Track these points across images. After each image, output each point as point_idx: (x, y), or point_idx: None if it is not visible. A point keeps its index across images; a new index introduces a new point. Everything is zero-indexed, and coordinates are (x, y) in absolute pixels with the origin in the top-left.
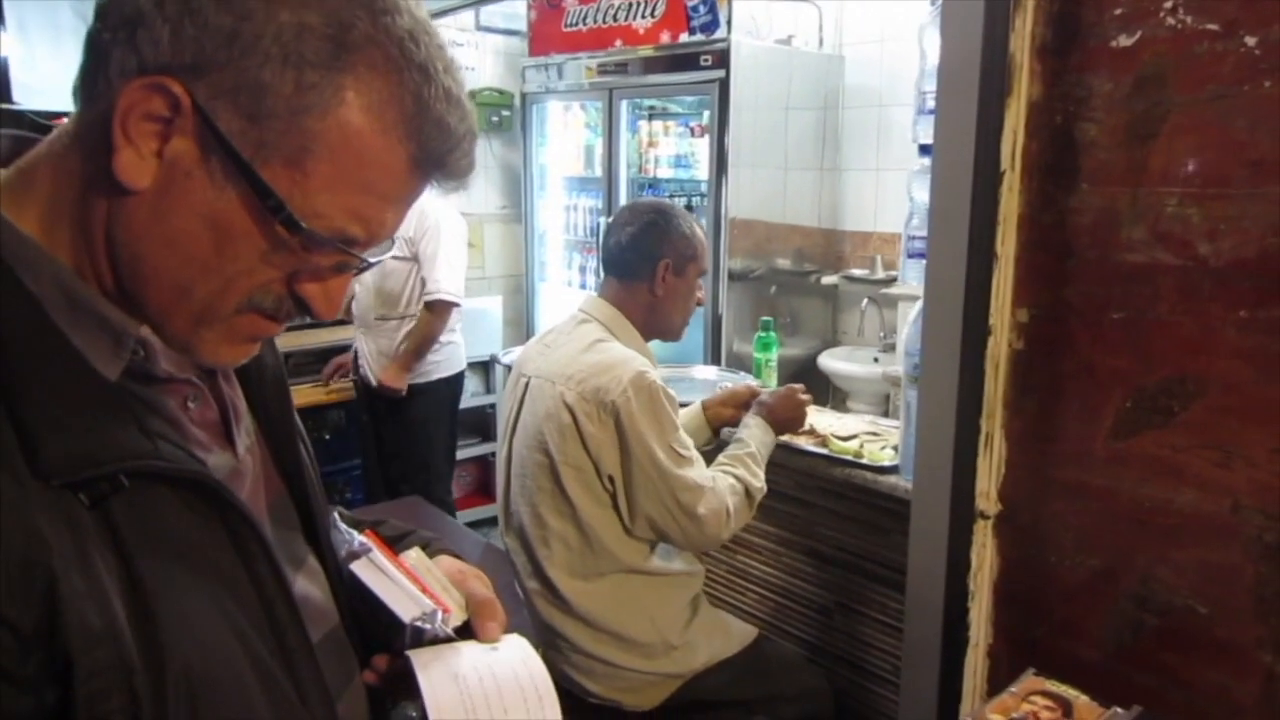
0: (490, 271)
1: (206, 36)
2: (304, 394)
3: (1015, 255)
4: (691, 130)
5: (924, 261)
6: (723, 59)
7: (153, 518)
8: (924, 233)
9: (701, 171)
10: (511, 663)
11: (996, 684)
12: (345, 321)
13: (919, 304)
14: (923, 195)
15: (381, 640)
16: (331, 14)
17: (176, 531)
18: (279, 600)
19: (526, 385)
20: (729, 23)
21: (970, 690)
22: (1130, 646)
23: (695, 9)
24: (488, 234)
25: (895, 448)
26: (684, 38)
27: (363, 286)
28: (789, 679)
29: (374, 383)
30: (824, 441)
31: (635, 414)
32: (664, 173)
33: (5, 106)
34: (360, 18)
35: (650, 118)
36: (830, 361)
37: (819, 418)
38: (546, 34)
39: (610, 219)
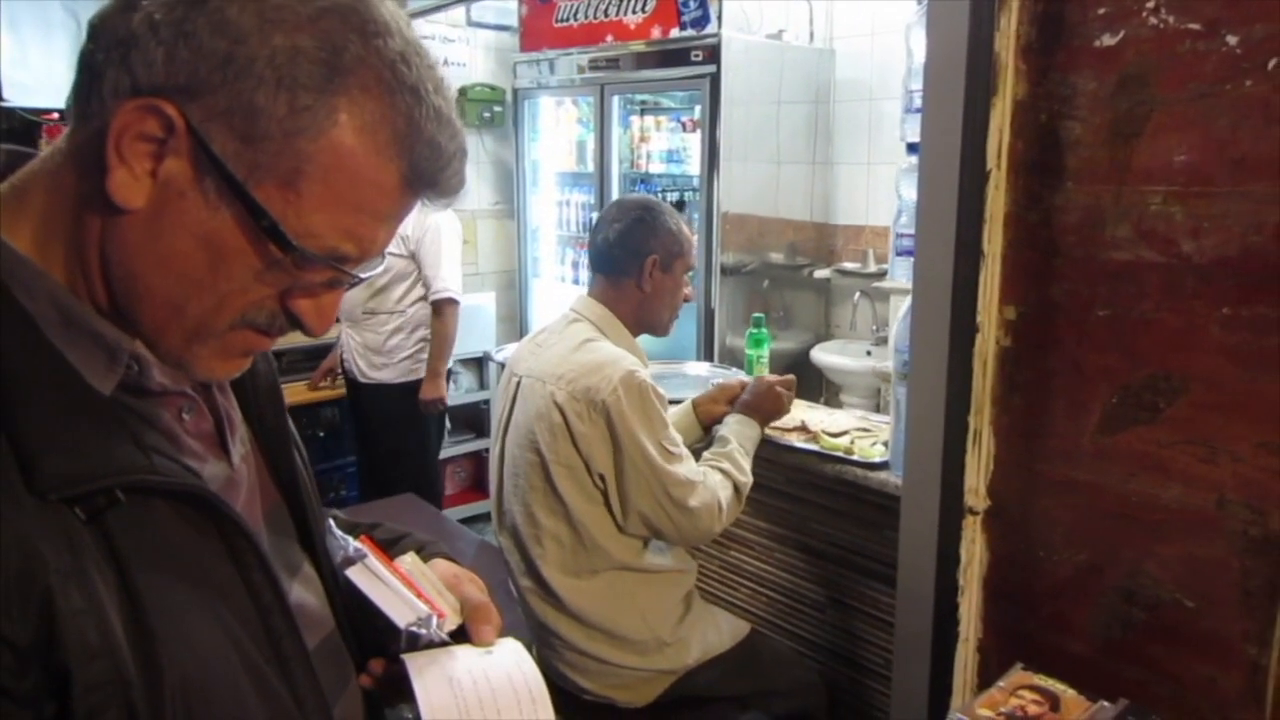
0: (483, 268)
1: (200, 59)
2: (297, 392)
3: (1002, 253)
4: (683, 125)
5: (912, 259)
6: (714, 54)
7: (149, 531)
8: (912, 230)
9: (693, 166)
10: (505, 666)
11: (987, 678)
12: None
13: (908, 301)
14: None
15: (377, 645)
16: (324, 37)
17: (173, 544)
18: (275, 609)
19: (518, 385)
20: (719, 18)
21: (961, 684)
22: (1118, 640)
23: (686, 4)
24: (481, 230)
25: (886, 444)
26: (675, 33)
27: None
28: (781, 674)
29: (360, 378)
30: (815, 438)
31: (626, 413)
32: (656, 168)
33: None
34: (352, 41)
35: (642, 113)
36: (823, 355)
37: (810, 414)
38: (538, 29)
39: (597, 216)
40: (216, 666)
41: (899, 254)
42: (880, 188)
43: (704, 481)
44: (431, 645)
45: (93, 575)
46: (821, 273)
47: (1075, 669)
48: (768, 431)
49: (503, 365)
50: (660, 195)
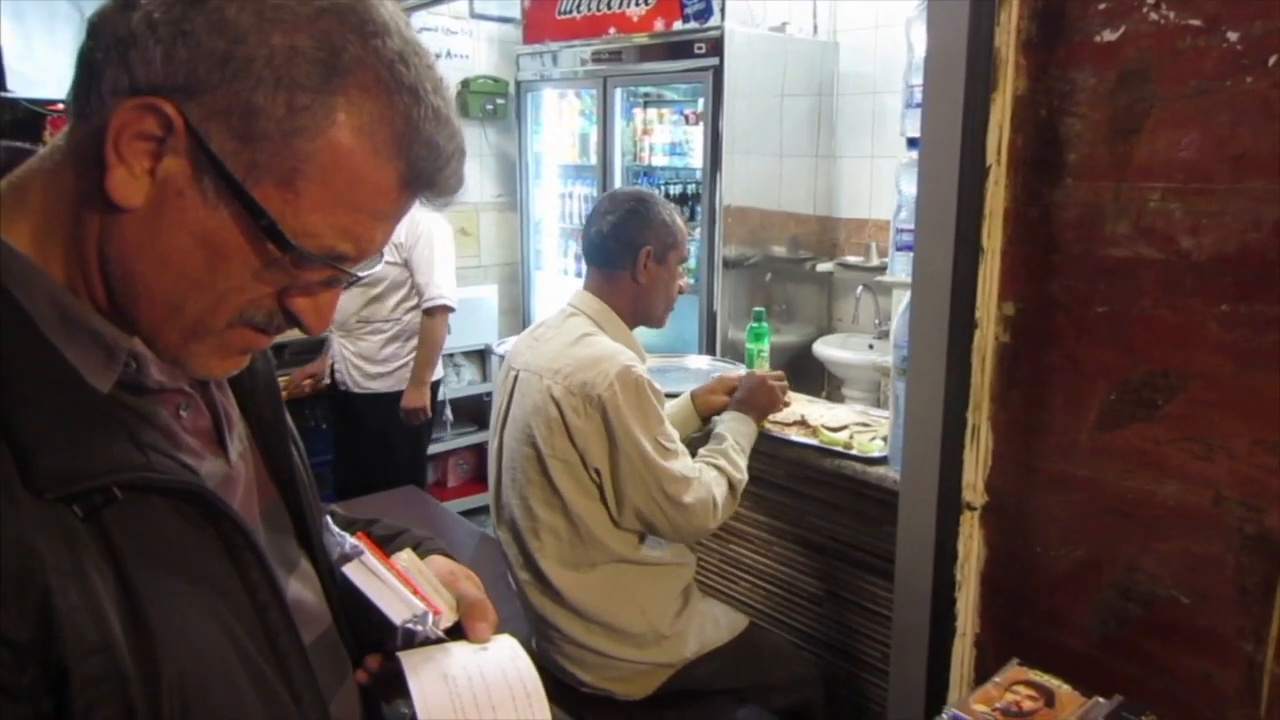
0: (486, 260)
1: (199, 59)
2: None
3: (1001, 249)
4: (686, 118)
5: (912, 254)
6: (717, 46)
7: (146, 528)
8: (912, 226)
9: (696, 159)
10: (500, 662)
11: (984, 672)
12: None
13: (907, 296)
14: (910, 188)
15: (374, 641)
16: (323, 37)
17: (170, 541)
18: (272, 605)
19: (516, 379)
20: (723, 10)
21: (958, 679)
22: (1115, 636)
23: None
24: (483, 223)
25: (885, 439)
26: (678, 25)
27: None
28: (780, 667)
29: (355, 388)
30: (814, 432)
31: (622, 408)
32: (659, 160)
33: (1, 95)
34: (351, 41)
35: (645, 105)
36: (825, 349)
37: (809, 408)
38: (541, 22)
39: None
40: (213, 662)
41: (899, 249)
42: (883, 181)
43: (699, 478)
44: (427, 642)
45: (90, 572)
46: (824, 266)
47: (1072, 664)
48: (767, 425)
49: (504, 358)
50: (663, 188)
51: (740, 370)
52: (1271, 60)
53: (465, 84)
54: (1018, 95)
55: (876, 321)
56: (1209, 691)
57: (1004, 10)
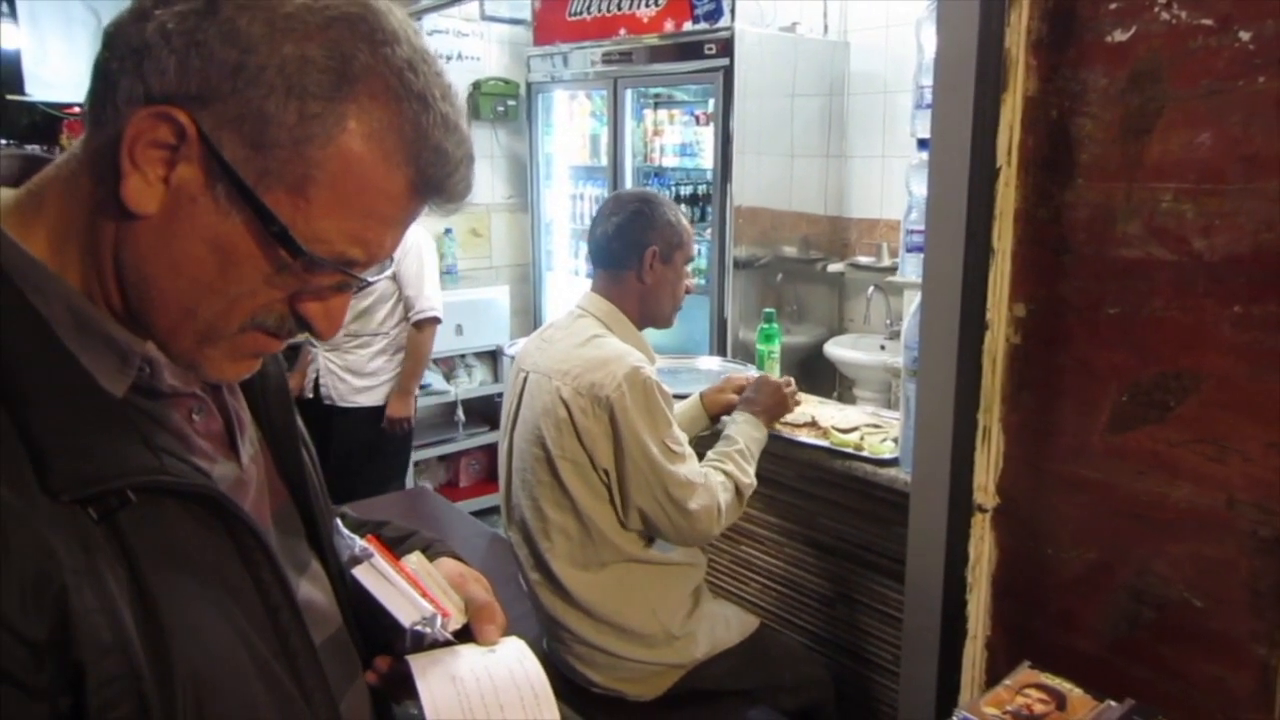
0: (497, 261)
1: (212, 68)
2: None
3: (1012, 250)
4: (696, 118)
5: (922, 255)
6: (727, 47)
7: (160, 530)
8: (922, 227)
9: (707, 160)
10: (508, 664)
11: (995, 675)
12: None
13: (918, 297)
14: (921, 189)
15: (383, 642)
16: (333, 46)
17: (183, 543)
18: (283, 606)
19: (525, 380)
20: (733, 10)
21: (969, 681)
22: (1127, 639)
23: None
24: (494, 224)
25: (896, 440)
26: (688, 26)
27: None
28: (790, 668)
29: (341, 402)
30: (825, 434)
31: (630, 409)
32: (669, 161)
33: (18, 98)
34: (361, 49)
35: (655, 106)
36: (836, 349)
37: (820, 409)
38: (551, 23)
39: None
40: (226, 661)
41: (909, 250)
42: (895, 181)
43: (705, 483)
44: (436, 644)
45: (105, 574)
46: (835, 266)
47: (1083, 667)
48: (778, 426)
49: (514, 359)
50: (673, 189)
51: (750, 371)
52: None
53: (476, 86)
54: (1028, 96)
55: (888, 322)
56: (1222, 695)
57: (1014, 10)
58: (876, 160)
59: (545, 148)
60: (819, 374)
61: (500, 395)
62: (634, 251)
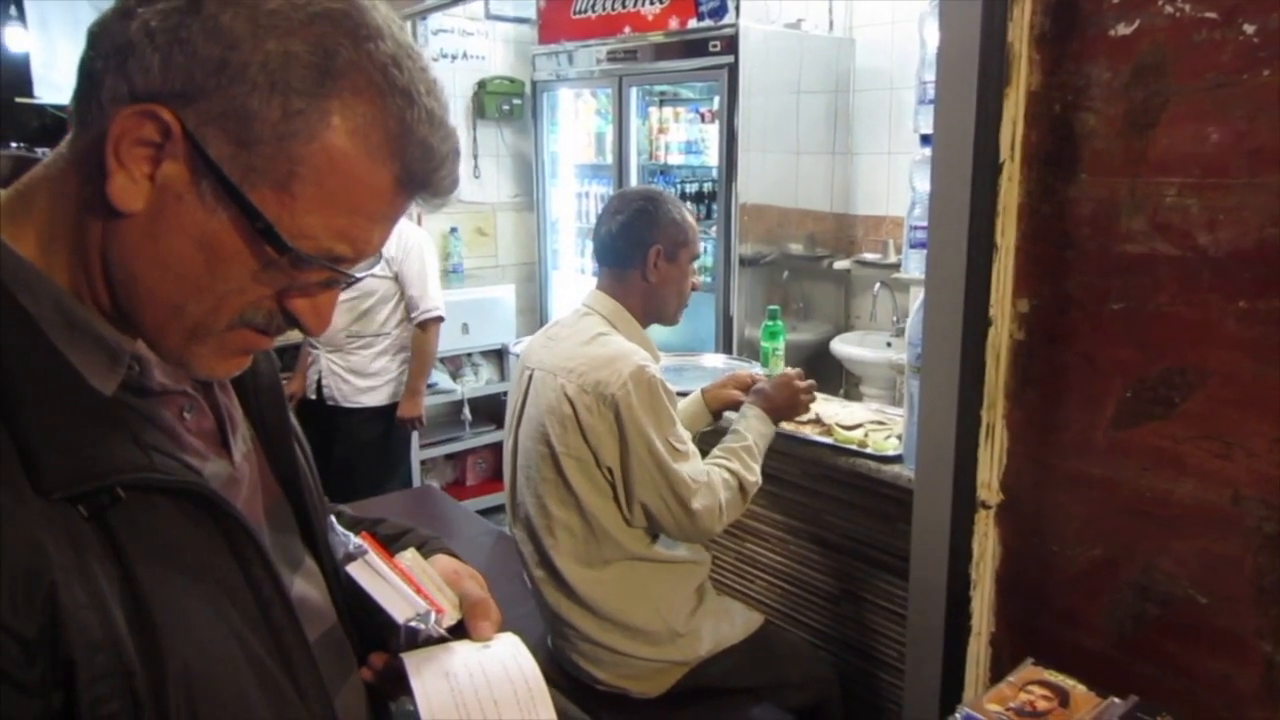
0: (503, 260)
1: (195, 65)
2: None
3: (1015, 246)
4: (702, 116)
5: (925, 251)
6: (732, 44)
7: (150, 527)
8: (925, 223)
9: (712, 157)
10: (502, 660)
11: (999, 671)
12: None
13: (922, 293)
14: (924, 185)
15: (378, 639)
16: (316, 42)
17: (174, 539)
18: (276, 603)
19: (530, 378)
20: (737, 8)
21: (973, 678)
22: (1131, 636)
23: None
24: (500, 223)
25: (900, 437)
26: (693, 23)
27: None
28: (795, 666)
29: (345, 403)
30: (829, 431)
31: (634, 407)
32: (675, 159)
33: (27, 101)
34: (344, 45)
35: (660, 104)
36: (842, 347)
37: (825, 406)
38: (556, 21)
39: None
40: (218, 657)
41: (913, 246)
42: (900, 177)
43: (708, 482)
44: (430, 641)
45: (95, 571)
46: (841, 263)
47: (1087, 664)
48: (782, 425)
49: (519, 357)
50: (679, 186)
51: (755, 368)
52: None
53: (481, 85)
54: (1031, 90)
55: (894, 319)
56: (1227, 692)
57: (1017, 5)
58: (882, 157)
59: (550, 146)
60: (825, 371)
61: (506, 394)
62: (638, 250)
